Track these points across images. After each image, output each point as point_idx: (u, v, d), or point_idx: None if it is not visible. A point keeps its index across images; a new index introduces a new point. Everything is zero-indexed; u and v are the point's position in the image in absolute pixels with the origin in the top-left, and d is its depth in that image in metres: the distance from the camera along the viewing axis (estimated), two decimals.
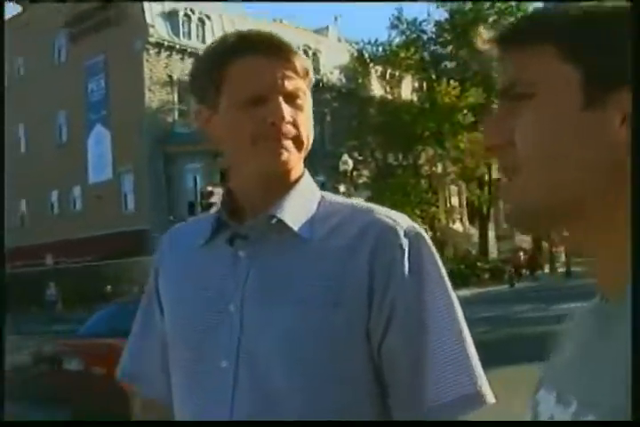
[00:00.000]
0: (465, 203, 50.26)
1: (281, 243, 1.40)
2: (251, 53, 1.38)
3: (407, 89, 46.05)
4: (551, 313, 15.88)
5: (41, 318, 33.97)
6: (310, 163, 1.49)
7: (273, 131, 1.37)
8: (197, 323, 1.42)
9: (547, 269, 43.49)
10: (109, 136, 37.82)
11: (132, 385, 1.69)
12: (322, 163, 31.93)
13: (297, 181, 1.45)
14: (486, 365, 1.38)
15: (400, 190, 38.09)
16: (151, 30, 37.25)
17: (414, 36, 44.63)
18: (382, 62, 44.03)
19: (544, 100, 0.82)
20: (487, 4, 42.47)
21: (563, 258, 41.64)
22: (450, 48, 44.25)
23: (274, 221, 1.39)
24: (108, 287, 32.56)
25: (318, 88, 35.35)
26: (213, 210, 1.76)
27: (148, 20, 37.35)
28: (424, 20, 44.77)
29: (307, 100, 1.43)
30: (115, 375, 1.68)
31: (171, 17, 38.73)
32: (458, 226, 49.97)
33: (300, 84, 1.41)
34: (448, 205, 48.81)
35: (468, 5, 42.42)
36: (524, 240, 46.58)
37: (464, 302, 1.45)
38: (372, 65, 44.40)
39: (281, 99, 1.37)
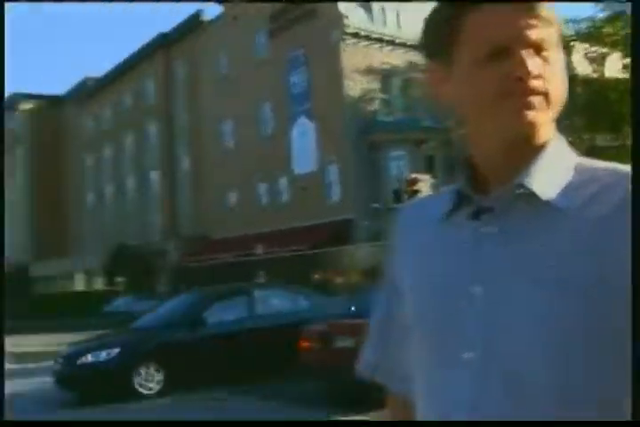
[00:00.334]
0: None
1: (532, 215, 1.23)
2: (489, 1, 1.21)
3: (613, 66, 43.95)
4: None
5: None
6: None
7: (519, 87, 1.19)
8: (436, 307, 1.28)
9: None
10: (313, 127, 38.51)
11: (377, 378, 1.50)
12: None
13: (547, 143, 1.27)
14: None
15: None
16: (346, 21, 37.61)
17: (620, 10, 42.48)
18: (586, 39, 42.24)
19: None
20: None
21: None
22: None
23: (522, 190, 1.22)
24: (316, 276, 33.31)
25: None
26: (422, 195, 1.53)
27: (343, 10, 37.73)
28: None
29: (556, 52, 1.24)
30: None
31: (365, 6, 38.94)
32: None
33: (546, 34, 1.23)
34: None
35: None
36: None
37: None
38: (575, 42, 42.70)
39: (527, 51, 1.20)
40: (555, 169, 1.26)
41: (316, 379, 10.46)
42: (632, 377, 0.85)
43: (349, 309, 10.41)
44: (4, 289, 5.72)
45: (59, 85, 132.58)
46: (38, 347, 24.78)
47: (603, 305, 1.15)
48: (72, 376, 11.54)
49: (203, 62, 48.53)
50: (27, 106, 73.15)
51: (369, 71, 38.10)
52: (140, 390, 11.28)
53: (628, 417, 1.15)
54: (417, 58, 30.12)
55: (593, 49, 43.58)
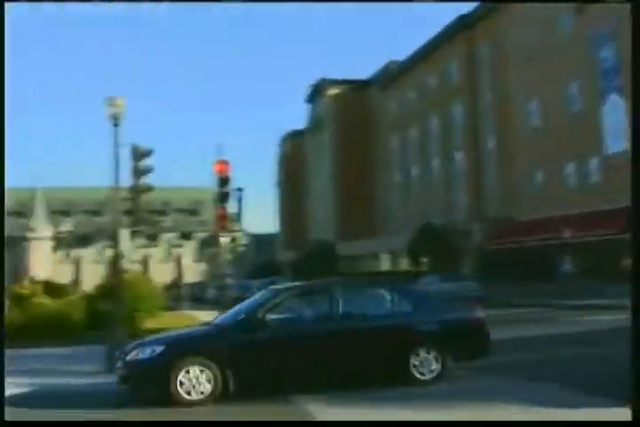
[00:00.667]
0: None
1: None
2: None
3: None
4: None
5: (552, 292, 34.00)
6: None
7: None
8: None
9: None
10: (624, 105, 36.16)
11: None
12: None
13: None
14: None
15: None
16: None
17: None
18: None
19: None
20: None
21: None
22: None
23: None
24: (626, 263, 31.32)
25: None
26: None
27: None
28: None
29: None
30: None
31: None
32: None
33: None
34: None
35: None
36: None
37: None
38: None
39: None
40: None
41: None
42: (632, 377, 0.63)
43: None
44: (4, 289, 5.72)
45: (363, 70, 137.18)
46: None
47: None
48: (122, 372, 10.72)
49: (506, 41, 47.47)
50: (333, 91, 76.12)
51: None
52: (180, 390, 10.12)
53: None
54: None
55: None
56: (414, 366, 10.85)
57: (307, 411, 9.25)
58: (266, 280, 41.31)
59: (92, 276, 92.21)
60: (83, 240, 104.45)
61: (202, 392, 10.17)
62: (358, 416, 8.76)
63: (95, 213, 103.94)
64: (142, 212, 16.88)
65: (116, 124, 15.28)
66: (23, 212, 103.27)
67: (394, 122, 66.90)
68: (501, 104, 48.58)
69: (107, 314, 15.70)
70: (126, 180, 16.36)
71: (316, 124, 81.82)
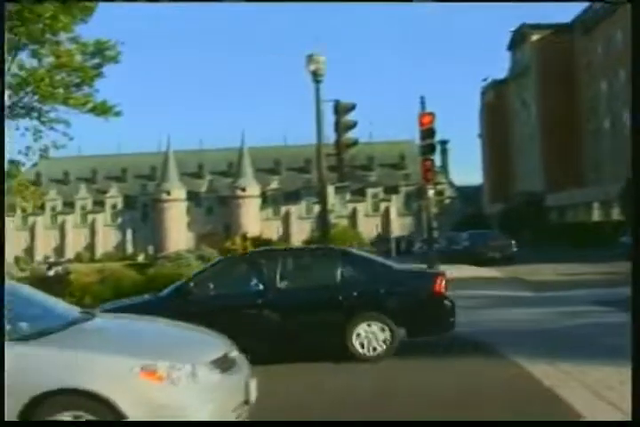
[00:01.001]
0: None
1: None
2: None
3: None
4: None
5: None
6: None
7: None
8: None
9: None
10: None
11: None
12: None
13: None
14: None
15: None
16: None
17: None
18: None
19: None
20: None
21: None
22: None
23: None
24: None
25: None
26: None
27: None
28: None
29: None
30: None
31: None
32: None
33: None
34: None
35: None
36: None
37: None
38: None
39: None
40: None
41: None
42: (632, 377, 0.64)
43: None
44: (4, 285, 5.53)
45: (565, 13, 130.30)
46: (552, 276, 24.95)
47: None
48: None
49: None
50: (535, 36, 73.28)
51: None
52: None
53: None
54: None
55: None
56: (357, 338, 10.27)
57: None
58: (473, 233, 40.69)
59: (300, 232, 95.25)
60: (290, 197, 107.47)
61: None
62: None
63: (302, 169, 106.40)
64: (347, 167, 17.01)
65: (317, 81, 15.40)
66: (232, 172, 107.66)
67: (601, 65, 63.55)
68: None
69: None
70: (331, 136, 16.53)
71: (519, 71, 79.28)
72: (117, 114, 22.03)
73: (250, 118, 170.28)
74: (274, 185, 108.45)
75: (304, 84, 16.56)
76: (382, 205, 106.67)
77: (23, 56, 20.98)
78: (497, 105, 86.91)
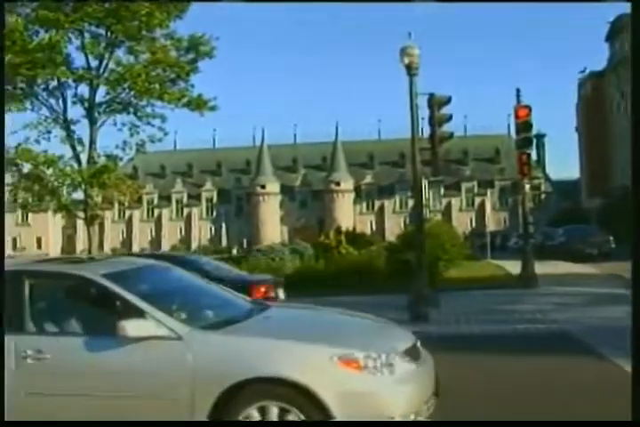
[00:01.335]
0: None
1: None
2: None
3: None
4: None
5: None
6: None
7: None
8: None
9: None
10: None
11: None
12: None
13: None
14: None
15: None
16: None
17: None
18: None
19: None
20: None
21: None
22: None
23: None
24: None
25: None
26: None
27: None
28: None
29: None
30: None
31: None
32: None
33: None
34: None
35: None
36: None
37: None
38: None
39: None
40: None
41: None
42: (632, 377, 0.64)
43: None
44: (4, 288, 5.26)
45: None
46: None
47: None
48: None
49: None
50: None
51: None
52: None
53: None
54: None
55: None
56: None
57: None
58: (569, 228, 39.71)
59: (395, 226, 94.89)
60: (384, 191, 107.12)
61: None
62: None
63: (395, 164, 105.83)
64: (442, 161, 16.78)
65: (411, 74, 15.22)
66: (326, 165, 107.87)
67: None
68: None
69: (408, 263, 15.84)
70: (425, 129, 16.32)
71: (617, 62, 76.94)
72: (212, 108, 22.31)
73: (344, 112, 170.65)
74: (368, 179, 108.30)
75: (398, 77, 16.36)
76: (477, 200, 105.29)
77: (120, 53, 21.46)
78: (594, 97, 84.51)
